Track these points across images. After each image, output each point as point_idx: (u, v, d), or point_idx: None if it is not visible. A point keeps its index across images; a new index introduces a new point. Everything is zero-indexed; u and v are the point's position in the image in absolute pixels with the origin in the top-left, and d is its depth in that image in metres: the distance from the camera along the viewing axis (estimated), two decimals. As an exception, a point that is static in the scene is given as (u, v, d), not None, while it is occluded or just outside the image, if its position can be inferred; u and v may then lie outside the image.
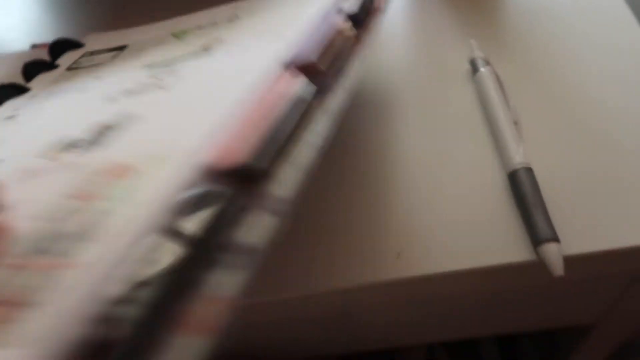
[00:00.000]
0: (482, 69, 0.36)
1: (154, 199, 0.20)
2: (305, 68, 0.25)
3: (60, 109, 0.32)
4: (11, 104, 0.36)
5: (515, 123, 0.34)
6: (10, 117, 0.34)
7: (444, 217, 0.31)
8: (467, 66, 0.38)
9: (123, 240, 0.19)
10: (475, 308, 0.38)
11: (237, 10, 0.39)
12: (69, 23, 0.50)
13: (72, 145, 0.27)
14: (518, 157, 0.31)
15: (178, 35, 0.39)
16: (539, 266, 0.29)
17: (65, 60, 0.42)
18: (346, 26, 0.28)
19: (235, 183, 0.20)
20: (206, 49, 0.34)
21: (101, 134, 0.27)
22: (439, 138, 0.35)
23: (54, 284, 0.18)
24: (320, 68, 0.25)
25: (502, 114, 0.34)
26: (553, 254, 0.28)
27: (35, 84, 0.39)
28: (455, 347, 0.60)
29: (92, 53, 0.42)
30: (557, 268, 0.28)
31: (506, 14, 0.42)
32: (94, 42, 0.44)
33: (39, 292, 0.18)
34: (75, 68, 0.39)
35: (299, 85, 0.24)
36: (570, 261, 0.29)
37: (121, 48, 0.41)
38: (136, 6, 0.50)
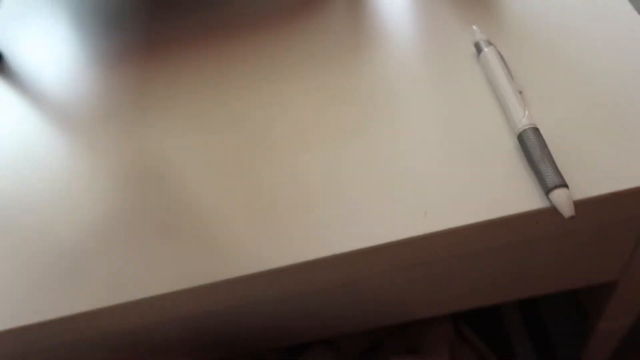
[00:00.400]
0: (485, 49, 0.40)
1: None
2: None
3: None
4: None
5: (520, 92, 0.37)
6: None
7: (463, 179, 0.35)
8: (472, 49, 0.42)
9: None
10: (497, 271, 0.41)
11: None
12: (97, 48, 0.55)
13: None
14: (525, 120, 0.35)
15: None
16: (552, 212, 0.32)
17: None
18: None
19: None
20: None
21: None
22: (452, 111, 0.38)
23: None
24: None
25: (508, 84, 0.37)
26: (563, 197, 0.31)
27: None
28: (479, 319, 0.62)
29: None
30: (568, 210, 0.31)
31: (502, 3, 0.45)
32: None
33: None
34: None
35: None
36: (581, 205, 0.32)
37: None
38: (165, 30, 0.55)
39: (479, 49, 0.41)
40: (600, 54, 0.39)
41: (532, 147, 0.34)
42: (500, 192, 0.34)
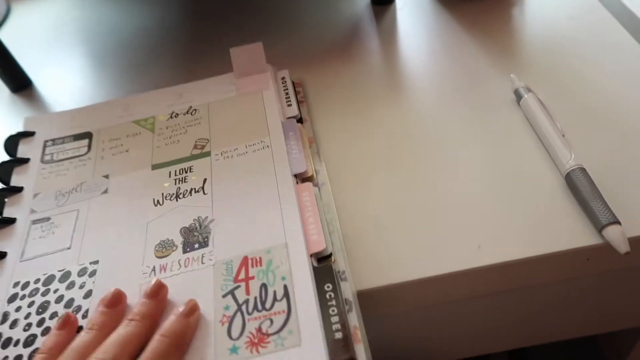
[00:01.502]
0: (526, 95, 0.42)
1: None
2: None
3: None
4: (28, 205, 0.40)
5: (563, 135, 0.39)
6: (45, 220, 0.39)
7: (514, 215, 0.36)
8: (511, 96, 0.44)
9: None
10: (538, 310, 0.41)
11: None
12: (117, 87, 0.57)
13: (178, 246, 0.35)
14: (572, 161, 0.36)
15: (141, 124, 0.45)
16: (604, 249, 0.33)
17: (28, 152, 0.45)
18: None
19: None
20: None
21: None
22: (499, 152, 0.40)
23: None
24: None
25: (552, 128, 0.39)
26: (617, 233, 0.32)
27: (19, 180, 0.43)
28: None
29: (54, 141, 0.45)
30: (623, 246, 0.32)
31: (532, 48, 0.48)
32: (42, 127, 0.47)
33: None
34: (50, 161, 0.43)
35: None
36: (634, 243, 0.33)
37: (85, 135, 0.45)
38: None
39: (519, 95, 0.43)
40: (624, 92, 0.42)
41: (581, 186, 0.35)
42: (552, 228, 0.35)
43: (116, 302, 0.32)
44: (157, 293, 0.32)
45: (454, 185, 0.39)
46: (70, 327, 0.32)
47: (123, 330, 0.30)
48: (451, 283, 0.34)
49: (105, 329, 0.30)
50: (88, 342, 0.29)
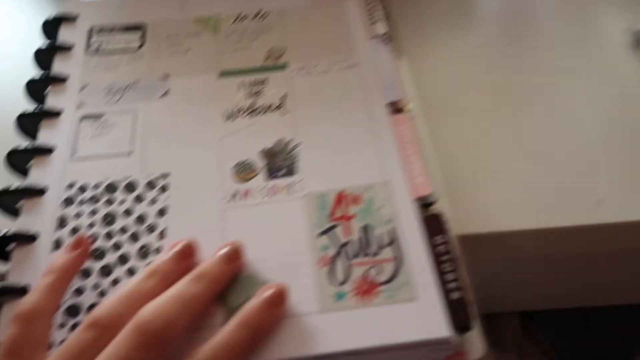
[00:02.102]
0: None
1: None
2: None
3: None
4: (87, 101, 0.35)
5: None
6: (96, 117, 0.35)
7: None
8: (628, 39, 0.40)
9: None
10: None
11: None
12: None
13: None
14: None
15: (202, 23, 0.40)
16: None
17: (70, 38, 0.39)
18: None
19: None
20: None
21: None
22: (615, 101, 0.37)
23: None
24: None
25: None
26: None
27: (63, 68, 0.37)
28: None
29: (101, 29, 0.39)
30: None
31: None
32: (86, 12, 0.40)
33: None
34: (98, 51, 0.38)
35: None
36: None
37: (138, 27, 0.39)
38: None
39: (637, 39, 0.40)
40: None
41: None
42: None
43: (188, 255, 0.27)
44: (235, 258, 0.27)
45: (566, 132, 0.36)
46: (83, 251, 0.28)
47: (186, 288, 0.25)
48: (563, 237, 0.33)
49: (167, 280, 0.26)
50: (145, 290, 0.25)
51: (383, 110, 0.34)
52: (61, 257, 0.27)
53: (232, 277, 0.27)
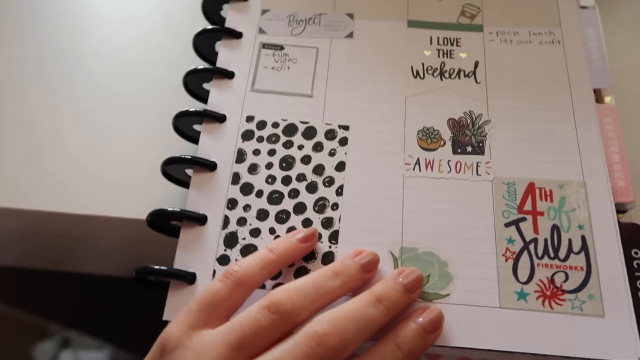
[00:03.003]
0: None
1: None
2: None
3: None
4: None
5: None
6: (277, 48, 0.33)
7: None
8: None
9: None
10: None
11: None
12: None
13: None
14: None
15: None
16: None
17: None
18: None
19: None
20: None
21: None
22: None
23: None
24: None
25: None
26: None
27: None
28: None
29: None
30: None
31: None
32: None
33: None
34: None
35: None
36: None
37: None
38: None
39: None
40: None
41: None
42: None
43: (372, 269, 0.26)
44: (416, 289, 0.25)
45: None
46: (311, 244, 0.27)
47: (367, 309, 0.23)
48: None
49: (349, 286, 0.25)
50: (328, 289, 0.24)
51: (590, 98, 0.31)
52: (292, 242, 0.26)
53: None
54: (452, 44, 0.33)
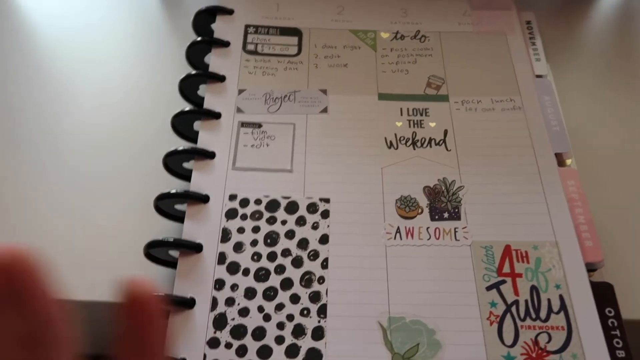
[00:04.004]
0: None
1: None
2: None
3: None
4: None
5: None
6: (255, 126, 0.34)
7: None
8: None
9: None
10: None
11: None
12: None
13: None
14: None
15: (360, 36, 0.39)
16: None
17: (227, 34, 0.38)
18: None
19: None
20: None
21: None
22: None
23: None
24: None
25: None
26: None
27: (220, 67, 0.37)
28: None
29: (257, 29, 0.39)
30: None
31: None
32: (242, 9, 0.40)
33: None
34: (254, 52, 0.37)
35: None
36: None
37: (295, 32, 0.39)
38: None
39: None
40: None
41: None
42: None
43: None
44: None
45: None
46: None
47: None
48: None
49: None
50: None
51: (553, 161, 0.33)
52: None
53: None
54: (421, 114, 0.35)
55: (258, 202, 0.31)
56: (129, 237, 0.33)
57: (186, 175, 0.33)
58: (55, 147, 0.38)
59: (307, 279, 0.29)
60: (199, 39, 0.37)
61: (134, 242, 0.30)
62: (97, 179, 0.36)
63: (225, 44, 0.38)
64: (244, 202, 0.31)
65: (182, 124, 0.34)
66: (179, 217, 0.32)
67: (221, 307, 0.28)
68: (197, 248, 0.30)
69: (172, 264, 0.30)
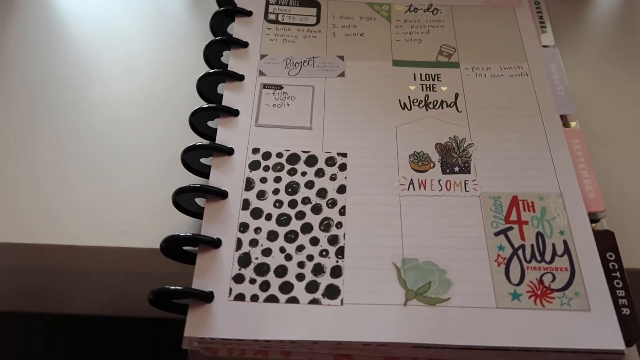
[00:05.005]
0: None
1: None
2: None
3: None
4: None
5: None
6: (276, 88, 0.36)
7: None
8: None
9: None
10: None
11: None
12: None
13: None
14: None
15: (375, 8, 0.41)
16: None
17: (250, 3, 0.41)
18: None
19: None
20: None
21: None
22: None
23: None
24: None
25: None
26: None
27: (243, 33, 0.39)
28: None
29: (277, 1, 0.41)
30: None
31: None
32: None
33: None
34: (275, 21, 0.40)
35: None
36: None
37: (313, 3, 0.41)
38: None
39: None
40: None
41: None
42: None
43: None
44: None
45: None
46: None
47: None
48: None
49: None
50: None
51: (558, 122, 0.35)
52: None
53: None
54: (433, 79, 0.37)
55: (279, 155, 0.33)
56: (157, 195, 0.35)
57: (211, 136, 0.35)
58: (87, 110, 0.40)
59: (325, 224, 0.31)
60: (222, 9, 0.40)
61: (162, 199, 0.32)
62: (126, 140, 0.38)
63: (247, 13, 0.40)
64: (266, 155, 0.33)
65: (207, 87, 0.37)
66: (205, 174, 0.33)
67: (245, 247, 0.30)
68: (222, 194, 0.32)
69: (198, 214, 0.32)
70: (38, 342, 0.52)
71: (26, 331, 0.50)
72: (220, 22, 0.40)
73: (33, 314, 0.46)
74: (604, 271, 0.29)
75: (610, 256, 0.30)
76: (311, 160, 0.33)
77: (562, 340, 0.27)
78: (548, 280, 0.29)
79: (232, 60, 0.38)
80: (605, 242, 0.30)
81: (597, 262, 0.29)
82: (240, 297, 0.28)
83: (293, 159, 0.33)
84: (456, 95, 0.36)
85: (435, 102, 0.36)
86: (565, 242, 0.30)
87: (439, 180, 0.32)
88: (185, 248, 0.31)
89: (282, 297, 0.28)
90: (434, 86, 0.37)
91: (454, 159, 0.33)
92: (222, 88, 0.37)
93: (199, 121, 0.35)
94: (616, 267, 0.29)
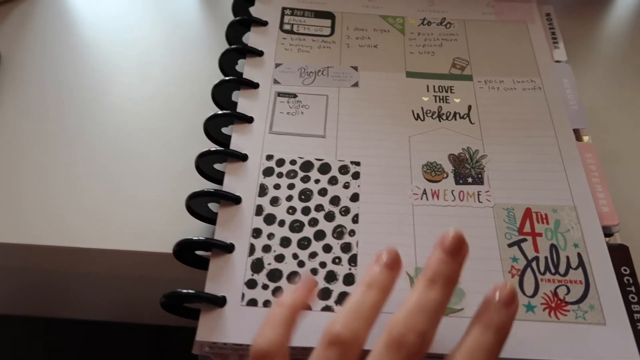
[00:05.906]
0: None
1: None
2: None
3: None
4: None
5: None
6: (291, 96, 0.37)
7: None
8: None
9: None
10: None
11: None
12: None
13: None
14: None
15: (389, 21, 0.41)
16: None
17: (265, 14, 0.41)
18: None
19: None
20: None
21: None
22: None
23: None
24: None
25: None
26: None
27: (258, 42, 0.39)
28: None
29: (293, 11, 0.41)
30: None
31: None
32: None
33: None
34: (290, 32, 0.40)
35: None
36: None
37: (328, 15, 0.41)
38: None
39: None
40: None
41: None
42: None
43: (398, 263, 0.25)
44: (460, 250, 0.25)
45: None
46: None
47: (426, 295, 0.24)
48: None
49: (386, 291, 0.25)
50: (371, 303, 0.24)
51: (571, 135, 0.35)
52: (293, 293, 0.25)
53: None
54: (446, 91, 0.37)
55: (293, 162, 0.33)
56: (170, 200, 0.35)
57: (224, 143, 0.35)
58: (101, 121, 0.40)
59: (339, 232, 0.31)
60: (237, 18, 0.40)
61: (175, 204, 0.32)
62: (140, 145, 0.39)
63: (263, 23, 0.40)
64: (280, 162, 0.33)
65: (221, 95, 0.37)
66: (218, 180, 0.33)
67: (258, 253, 0.30)
68: (236, 200, 0.32)
69: (211, 220, 0.32)
70: (48, 346, 0.52)
71: (43, 335, 0.50)
72: (235, 31, 0.40)
73: (44, 318, 0.46)
74: (619, 285, 0.29)
75: (625, 270, 0.30)
76: (324, 168, 0.33)
77: (577, 353, 0.27)
78: (562, 293, 0.29)
79: (247, 68, 0.38)
80: (620, 256, 0.30)
81: (612, 276, 0.29)
82: (252, 302, 0.28)
83: (306, 166, 0.33)
84: (469, 107, 0.36)
85: (448, 113, 0.36)
86: (579, 254, 0.30)
87: (452, 191, 0.32)
88: (197, 252, 0.31)
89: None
90: (447, 98, 0.37)
91: (467, 169, 0.33)
92: (235, 96, 0.37)
93: (213, 127, 0.35)
94: (631, 281, 0.29)
